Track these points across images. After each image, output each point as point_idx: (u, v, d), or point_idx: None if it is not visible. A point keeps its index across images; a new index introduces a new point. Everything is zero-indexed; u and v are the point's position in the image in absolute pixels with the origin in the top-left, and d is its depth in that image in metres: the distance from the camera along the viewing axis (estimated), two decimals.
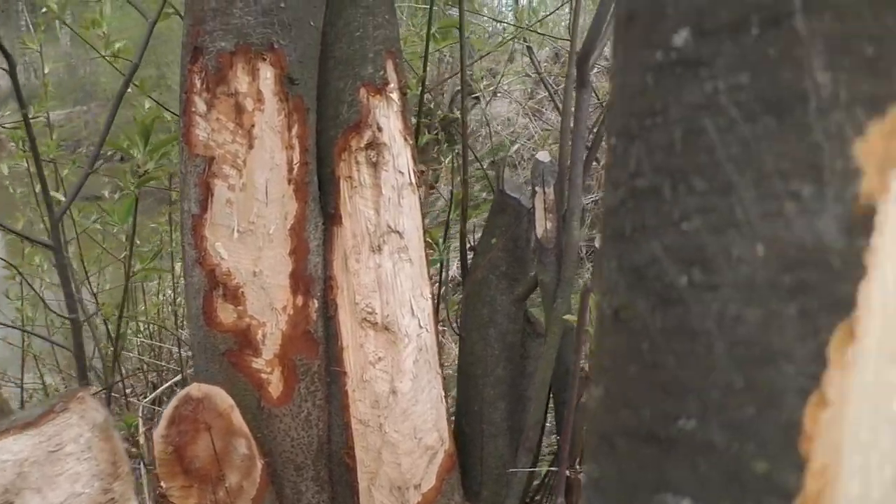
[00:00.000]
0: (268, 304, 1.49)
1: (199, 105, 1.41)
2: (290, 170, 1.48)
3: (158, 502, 1.30)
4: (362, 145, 1.55)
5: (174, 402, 1.40)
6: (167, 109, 1.65)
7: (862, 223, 0.29)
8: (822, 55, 0.29)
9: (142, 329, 2.88)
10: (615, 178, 0.36)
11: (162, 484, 1.28)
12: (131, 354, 2.87)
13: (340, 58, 1.57)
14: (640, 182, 0.34)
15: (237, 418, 1.42)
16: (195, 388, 1.41)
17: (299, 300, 1.52)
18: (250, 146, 1.42)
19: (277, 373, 1.51)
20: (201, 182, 1.43)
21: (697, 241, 0.31)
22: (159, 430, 1.37)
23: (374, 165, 1.56)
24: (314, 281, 1.54)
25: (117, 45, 1.69)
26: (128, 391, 2.67)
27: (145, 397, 2.35)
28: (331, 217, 1.56)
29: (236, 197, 1.43)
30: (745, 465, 0.30)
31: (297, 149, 1.48)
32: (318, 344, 1.55)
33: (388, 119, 1.56)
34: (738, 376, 0.30)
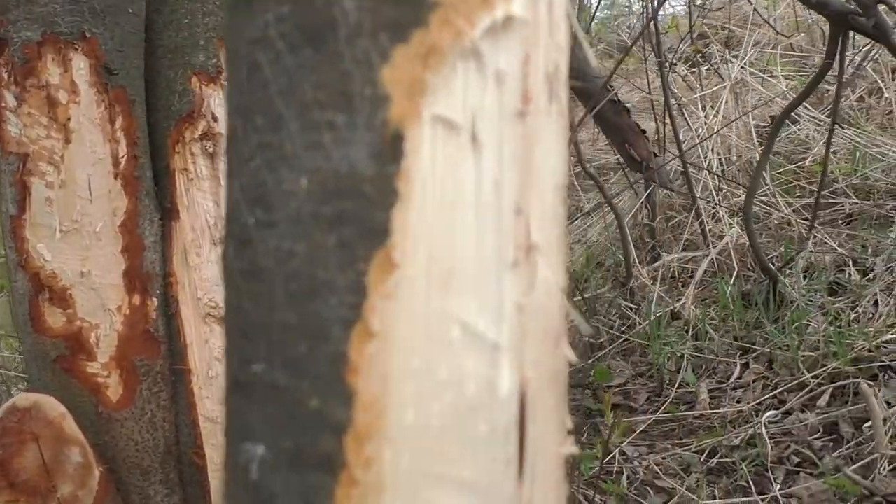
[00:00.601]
0: (100, 306, 1.42)
1: (9, 99, 1.33)
2: (117, 164, 1.42)
3: None
4: (196, 136, 1.50)
5: None
6: None
7: (391, 149, 0.29)
8: None
9: None
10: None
11: None
12: None
13: (169, 46, 1.51)
14: (229, 124, 0.33)
15: (70, 426, 1.36)
16: (22, 398, 1.34)
17: (136, 299, 1.46)
18: (67, 140, 1.35)
19: (116, 376, 1.45)
20: (17, 181, 1.35)
21: (259, 179, 0.31)
22: None
23: (212, 156, 1.51)
24: (152, 278, 1.48)
25: None
26: None
27: None
28: (168, 211, 1.51)
29: (56, 195, 1.36)
30: (302, 404, 0.30)
31: (122, 142, 1.42)
32: (159, 343, 1.49)
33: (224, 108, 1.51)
34: (293, 313, 0.30)
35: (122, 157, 1.42)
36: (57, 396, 1.38)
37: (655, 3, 2.31)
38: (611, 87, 2.09)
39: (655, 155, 2.16)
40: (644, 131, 2.17)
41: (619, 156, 2.42)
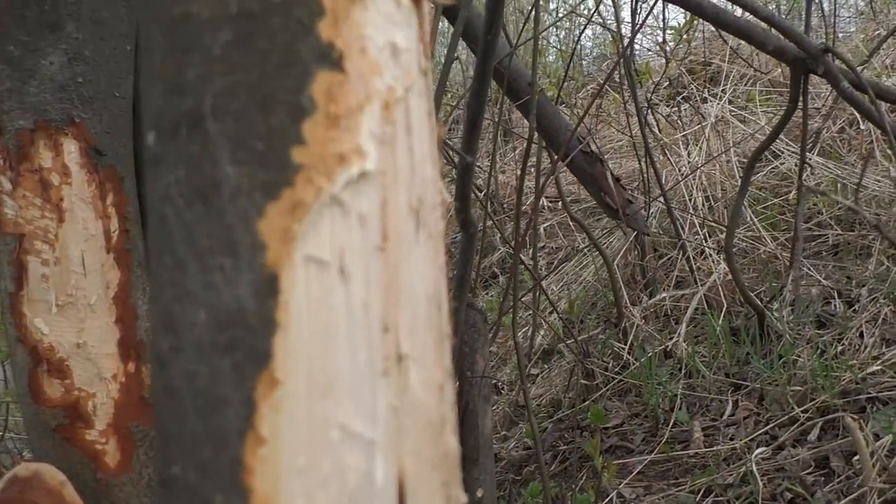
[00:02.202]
0: (96, 375, 1.48)
1: (4, 184, 1.41)
2: (109, 239, 1.49)
3: None
4: None
5: (0, 484, 1.38)
6: None
7: (269, 287, 0.35)
8: (228, 151, 0.35)
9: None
10: None
11: None
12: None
13: None
14: (150, 264, 0.40)
15: (70, 493, 1.41)
16: (22, 468, 1.39)
17: (131, 366, 1.53)
18: (61, 220, 1.43)
19: (113, 442, 1.51)
20: (14, 260, 1.42)
21: (169, 310, 0.37)
22: None
23: None
24: (146, 346, 1.55)
25: None
26: None
27: None
28: None
29: (51, 271, 1.43)
30: (209, 500, 0.35)
31: (114, 217, 1.50)
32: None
33: None
34: (199, 424, 0.36)
35: (114, 231, 1.49)
36: (57, 464, 1.43)
37: (627, 49, 2.39)
38: (581, 138, 2.16)
39: (630, 202, 2.22)
40: (619, 179, 2.24)
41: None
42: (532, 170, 2.02)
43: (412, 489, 0.38)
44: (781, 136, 3.12)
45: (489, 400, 1.62)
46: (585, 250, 3.02)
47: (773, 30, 1.75)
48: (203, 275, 0.36)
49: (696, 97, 3.52)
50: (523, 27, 2.10)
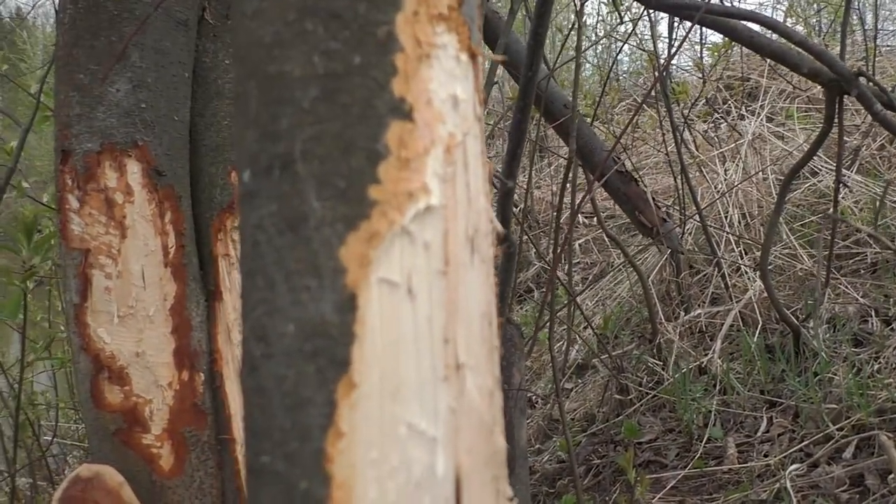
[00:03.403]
0: (153, 382, 1.57)
1: (73, 202, 1.51)
2: (166, 254, 1.58)
3: None
4: (236, 225, 1.66)
5: (64, 484, 1.47)
6: (50, 207, 1.76)
7: (348, 304, 0.41)
8: (314, 188, 0.42)
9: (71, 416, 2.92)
10: None
11: None
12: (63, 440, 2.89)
13: (211, 145, 1.69)
14: (241, 283, 0.46)
15: (127, 494, 1.49)
16: (84, 469, 1.48)
17: (185, 375, 1.61)
18: (123, 236, 1.52)
19: (167, 446, 1.59)
20: (80, 273, 1.52)
21: (262, 323, 0.43)
22: None
23: None
24: (199, 355, 1.63)
25: (11, 144, 1.79)
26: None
27: None
28: (212, 294, 1.66)
29: (114, 284, 1.52)
30: (295, 485, 0.42)
31: (171, 234, 1.58)
32: (206, 415, 1.63)
33: None
34: (288, 420, 0.42)
35: (171, 247, 1.58)
36: (115, 466, 1.52)
37: (664, 70, 2.44)
38: (617, 158, 2.21)
39: (664, 220, 2.26)
40: (653, 198, 2.28)
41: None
42: (569, 186, 2.07)
43: (467, 481, 0.44)
44: (819, 153, 3.13)
45: (524, 412, 1.67)
46: (621, 266, 3.06)
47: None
48: (291, 293, 0.42)
49: (733, 114, 3.54)
50: (561, 49, 2.17)
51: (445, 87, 0.44)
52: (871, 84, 1.62)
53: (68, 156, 1.50)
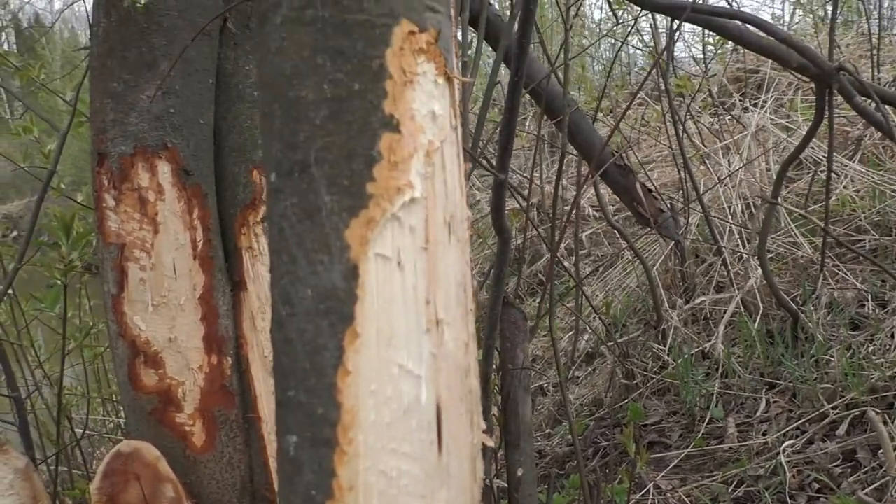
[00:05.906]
0: (185, 366, 1.71)
1: (109, 201, 1.65)
2: (195, 247, 1.72)
3: None
4: (258, 219, 1.80)
5: (107, 458, 1.62)
6: (87, 207, 1.90)
7: (352, 273, 0.54)
8: (325, 186, 0.55)
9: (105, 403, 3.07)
10: None
11: None
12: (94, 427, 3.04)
13: (233, 146, 1.82)
14: (270, 258, 0.59)
15: (164, 467, 1.64)
16: (125, 445, 1.63)
17: (214, 359, 1.75)
18: (156, 231, 1.66)
19: (199, 424, 1.73)
20: (116, 266, 1.66)
21: (287, 290, 0.56)
22: (94, 484, 1.58)
23: None
24: (226, 341, 1.77)
25: (49, 147, 1.94)
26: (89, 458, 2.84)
27: None
28: (237, 284, 1.80)
29: (148, 275, 1.67)
30: (314, 412, 0.55)
31: (199, 229, 1.72)
32: (233, 396, 1.77)
33: None
34: (308, 362, 0.55)
35: (199, 241, 1.72)
36: (152, 443, 1.67)
37: (667, 64, 2.54)
38: (615, 151, 2.32)
39: (662, 211, 2.37)
40: (651, 190, 2.39)
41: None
42: (569, 180, 2.19)
43: (446, 412, 0.57)
44: (822, 144, 3.22)
45: (528, 390, 1.79)
46: (629, 257, 3.17)
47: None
48: (309, 266, 0.55)
49: (738, 106, 3.63)
50: (561, 47, 2.27)
51: (426, 104, 0.57)
52: (850, 77, 1.72)
53: (104, 158, 1.65)
